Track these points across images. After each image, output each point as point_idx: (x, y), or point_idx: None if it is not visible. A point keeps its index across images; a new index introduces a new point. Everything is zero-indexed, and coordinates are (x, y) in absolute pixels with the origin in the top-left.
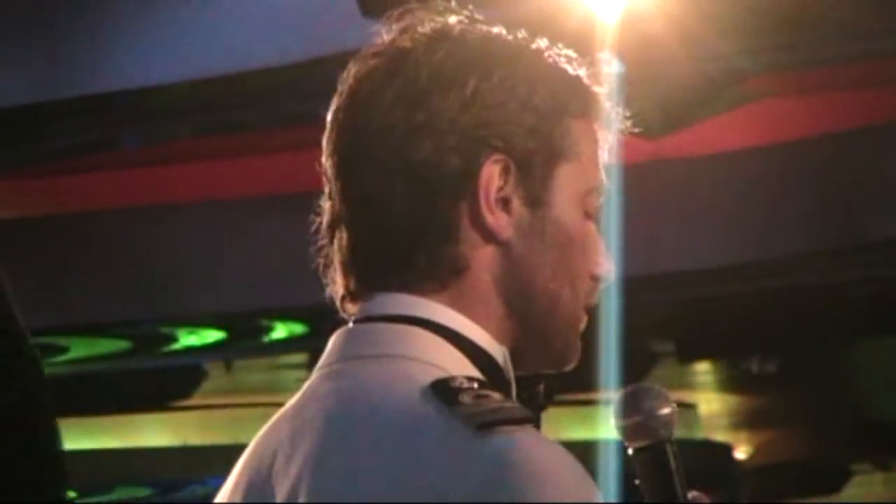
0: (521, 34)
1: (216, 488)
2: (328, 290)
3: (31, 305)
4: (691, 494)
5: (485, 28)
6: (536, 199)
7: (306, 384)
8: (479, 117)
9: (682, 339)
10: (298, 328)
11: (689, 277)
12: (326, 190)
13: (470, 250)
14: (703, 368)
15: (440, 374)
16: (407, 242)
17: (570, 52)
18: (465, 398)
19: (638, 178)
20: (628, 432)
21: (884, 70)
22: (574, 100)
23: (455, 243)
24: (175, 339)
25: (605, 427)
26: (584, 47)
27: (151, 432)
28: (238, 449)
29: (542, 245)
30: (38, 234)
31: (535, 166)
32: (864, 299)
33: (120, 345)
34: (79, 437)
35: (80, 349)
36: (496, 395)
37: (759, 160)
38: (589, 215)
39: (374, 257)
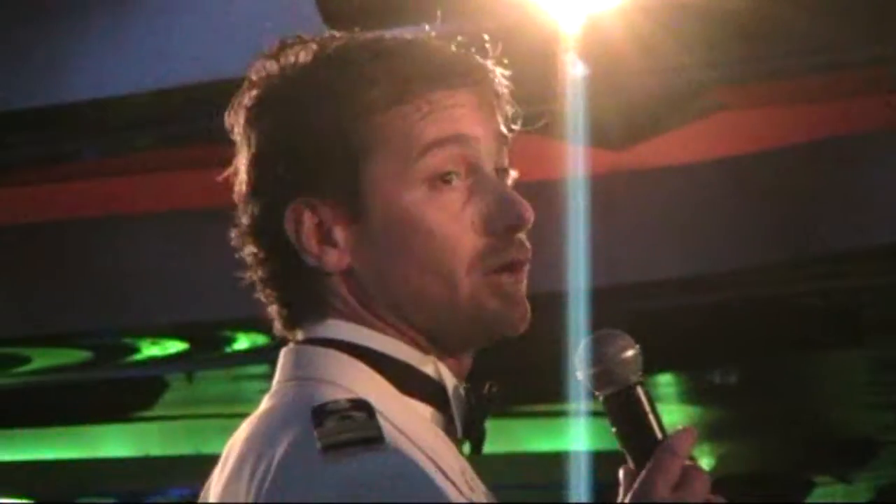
0: (323, 44)
1: (178, 499)
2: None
3: None
4: (674, 431)
5: (296, 62)
6: (354, 214)
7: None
8: (266, 173)
9: (643, 352)
10: (260, 339)
11: (648, 289)
12: None
13: (322, 288)
14: (663, 380)
15: (338, 395)
16: (288, 292)
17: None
18: (330, 421)
19: (598, 189)
20: (595, 381)
21: (843, 83)
22: (372, 94)
23: (305, 289)
24: (137, 350)
25: (572, 438)
26: (546, 57)
27: (113, 443)
28: (199, 460)
29: (380, 254)
30: (1, 245)
31: (334, 187)
32: (824, 311)
33: (82, 355)
34: (41, 447)
35: (42, 359)
36: (362, 416)
37: (718, 172)
38: (440, 181)
39: (281, 300)
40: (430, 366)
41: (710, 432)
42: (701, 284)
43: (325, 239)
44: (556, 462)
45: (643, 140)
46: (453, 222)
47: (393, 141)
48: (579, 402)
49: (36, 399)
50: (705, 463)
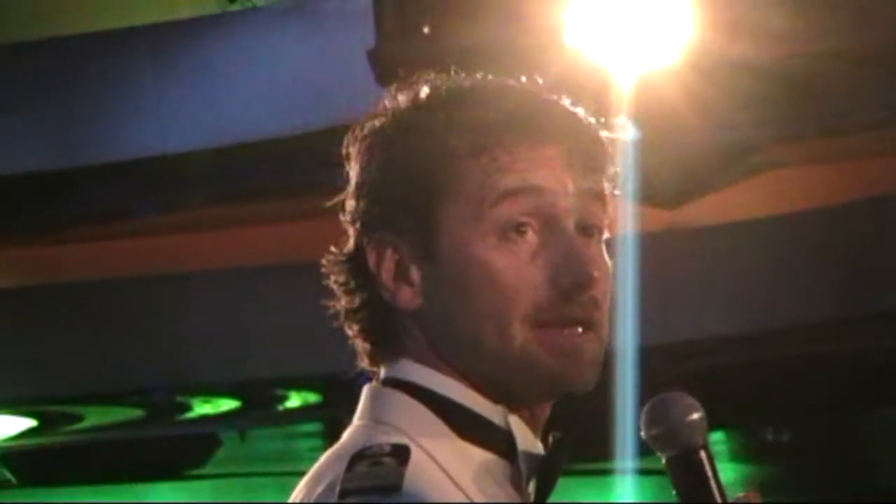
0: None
1: None
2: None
3: (48, 374)
4: (740, 495)
5: (395, 107)
6: (429, 253)
7: None
8: (356, 209)
9: None
10: (312, 397)
11: (702, 346)
12: None
13: (396, 325)
14: (716, 438)
15: (395, 440)
16: (365, 330)
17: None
18: (361, 466)
19: (653, 247)
20: (658, 441)
21: (894, 139)
22: (456, 141)
23: (381, 326)
24: (189, 408)
25: (622, 495)
26: (599, 114)
27: (166, 500)
28: None
29: (446, 296)
30: (55, 303)
31: (411, 223)
32: (876, 368)
33: (135, 413)
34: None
35: (95, 417)
36: (392, 462)
37: (771, 229)
38: (513, 232)
39: (357, 332)
40: (497, 415)
41: (763, 490)
42: (754, 342)
43: (402, 276)
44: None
45: (696, 198)
46: (518, 273)
47: (468, 187)
48: (628, 459)
49: (89, 456)
50: None
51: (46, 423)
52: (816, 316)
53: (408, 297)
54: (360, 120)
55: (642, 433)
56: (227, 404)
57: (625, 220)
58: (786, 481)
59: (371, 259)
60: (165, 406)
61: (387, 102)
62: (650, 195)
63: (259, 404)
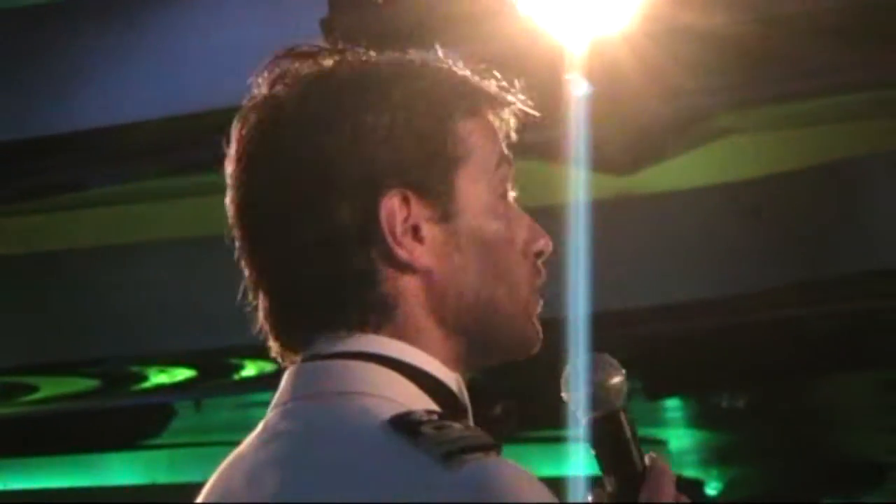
0: (397, 56)
1: None
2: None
3: (1, 344)
4: (649, 456)
5: (361, 60)
6: (445, 214)
7: (260, 424)
8: (361, 159)
9: (651, 376)
10: (268, 366)
11: (654, 313)
12: (237, 252)
13: (394, 288)
14: (671, 405)
15: (398, 409)
16: (331, 297)
17: (455, 56)
18: (427, 430)
19: (605, 214)
20: (580, 404)
21: (847, 105)
22: (459, 103)
23: (376, 286)
24: (144, 378)
25: (576, 464)
26: (550, 82)
27: (121, 471)
28: None
29: (462, 258)
30: (8, 273)
31: (432, 185)
32: (832, 334)
33: (89, 383)
34: (49, 475)
35: (49, 388)
36: (456, 425)
37: (723, 196)
38: (503, 197)
39: (303, 316)
40: (454, 383)
41: (719, 456)
42: (707, 309)
43: (413, 234)
44: (557, 487)
45: (649, 165)
46: (515, 237)
47: (477, 151)
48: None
49: (43, 427)
50: (713, 487)
51: (0, 393)
52: (771, 282)
53: (421, 254)
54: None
55: (563, 395)
56: (182, 374)
57: (577, 187)
58: (741, 448)
59: (385, 218)
60: (120, 376)
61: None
62: (602, 162)
63: (214, 374)
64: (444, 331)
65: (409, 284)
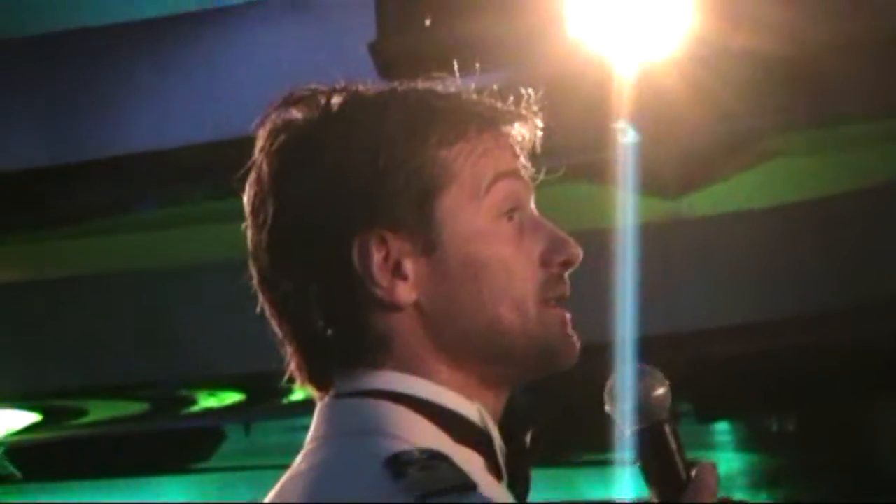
0: (399, 86)
1: None
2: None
3: (51, 368)
4: (697, 464)
5: (344, 100)
6: (427, 247)
7: (297, 459)
8: (335, 203)
9: (701, 399)
10: None
11: (705, 336)
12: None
13: (386, 326)
14: (721, 428)
15: (403, 447)
16: (332, 339)
17: (446, 82)
18: (412, 470)
19: (655, 237)
20: (624, 416)
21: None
22: (439, 129)
23: (368, 328)
24: (194, 402)
25: (622, 486)
26: (600, 106)
27: (172, 494)
28: None
29: (452, 286)
30: (57, 297)
31: (407, 219)
32: (884, 357)
33: (139, 407)
34: (99, 499)
35: (99, 411)
36: (444, 465)
37: (774, 219)
38: (503, 216)
39: (316, 357)
40: (475, 414)
41: (769, 480)
42: (757, 331)
43: (395, 271)
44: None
45: (698, 188)
46: (519, 254)
47: (461, 175)
48: (628, 450)
49: (93, 451)
50: None
51: (50, 417)
52: (820, 305)
53: (404, 291)
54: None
55: (606, 407)
56: (231, 397)
57: (626, 210)
58: (791, 471)
59: (357, 259)
60: (169, 400)
61: (308, 110)
62: (651, 185)
63: (263, 397)
64: (451, 360)
65: (401, 321)
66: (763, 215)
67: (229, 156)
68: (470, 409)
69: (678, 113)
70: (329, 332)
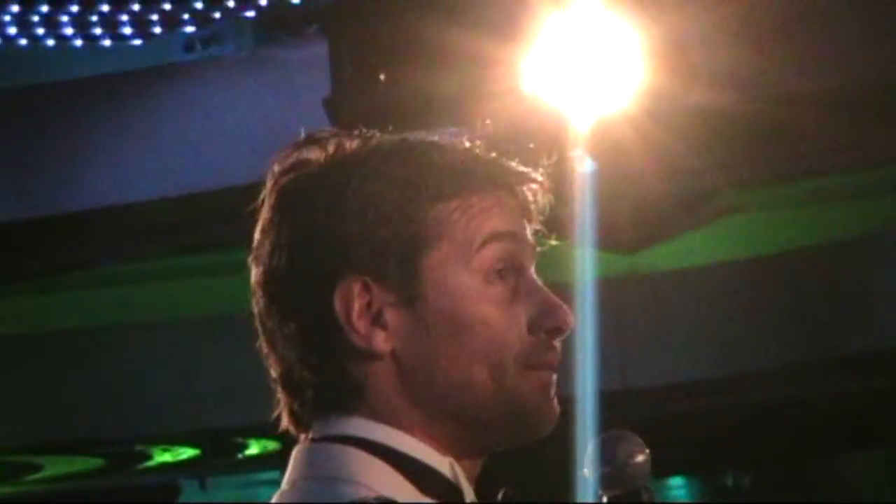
0: (406, 137)
1: None
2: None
3: (5, 423)
4: None
5: (354, 145)
6: (409, 298)
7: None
8: (325, 247)
9: (656, 455)
10: (272, 445)
11: (661, 392)
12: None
13: (362, 372)
14: (676, 483)
15: (362, 494)
16: (310, 381)
17: (451, 137)
18: None
19: (611, 292)
20: (602, 481)
21: (856, 183)
22: (437, 185)
23: (344, 373)
24: (149, 457)
25: None
26: (556, 161)
27: None
28: None
29: (431, 341)
30: (11, 352)
31: (392, 270)
32: (839, 413)
33: (94, 463)
34: None
35: (54, 468)
36: None
37: (731, 275)
38: (494, 275)
39: (296, 398)
40: (447, 468)
41: None
42: (713, 388)
43: (374, 320)
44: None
45: (654, 243)
46: (504, 317)
47: (451, 232)
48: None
49: None
50: None
51: (5, 473)
52: (776, 362)
53: (381, 340)
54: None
55: (586, 471)
56: (186, 453)
57: (583, 265)
58: None
59: (339, 304)
60: (125, 455)
61: (303, 154)
62: (608, 240)
63: (219, 453)
64: (424, 414)
65: (376, 368)
66: (719, 271)
67: (188, 213)
68: (441, 462)
69: (633, 167)
70: (306, 374)
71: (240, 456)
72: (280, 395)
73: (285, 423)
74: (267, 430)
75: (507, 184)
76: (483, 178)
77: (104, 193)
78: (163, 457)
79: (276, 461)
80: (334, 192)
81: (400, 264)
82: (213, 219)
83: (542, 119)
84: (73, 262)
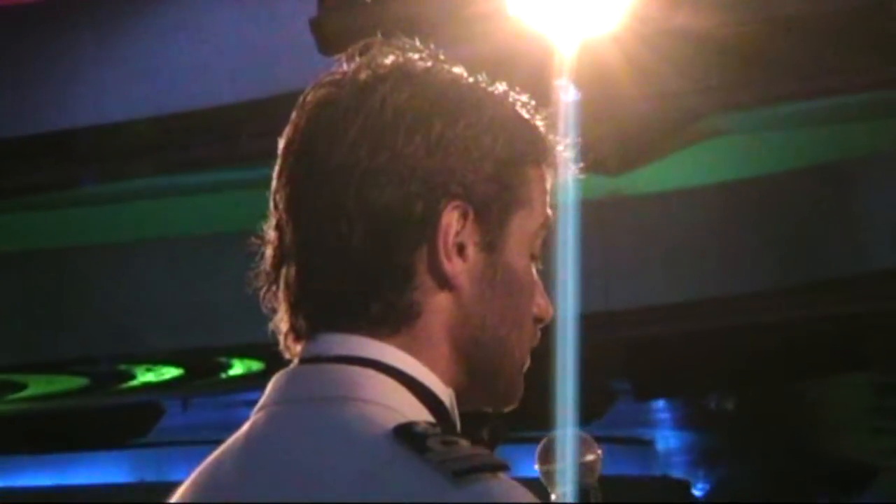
0: (482, 78)
1: None
2: (271, 325)
3: None
4: None
5: (447, 69)
6: (491, 245)
7: (245, 426)
8: (442, 163)
9: (640, 377)
10: (255, 365)
11: (644, 314)
12: (274, 220)
13: (424, 296)
14: (660, 406)
15: (399, 419)
16: (362, 286)
17: (527, 99)
18: (434, 444)
19: (595, 214)
20: (551, 477)
21: (840, 107)
22: (530, 148)
23: (411, 290)
24: (132, 377)
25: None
26: (541, 83)
27: (109, 469)
28: None
29: (491, 291)
30: None
31: (492, 213)
32: (821, 337)
33: (77, 382)
34: (36, 473)
35: (37, 386)
36: (463, 441)
37: (715, 197)
38: (533, 257)
39: (325, 298)
40: (447, 399)
41: (706, 458)
42: (698, 310)
43: (460, 250)
44: (544, 487)
45: (638, 165)
46: (535, 295)
47: (534, 201)
48: (568, 427)
49: (31, 426)
50: (700, 488)
51: None
52: (759, 284)
53: (458, 270)
54: (304, 87)
55: (536, 467)
56: (170, 373)
57: (567, 187)
58: (729, 449)
59: (446, 219)
60: (108, 375)
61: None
62: (592, 162)
63: (202, 373)
64: (454, 353)
65: (440, 297)
66: (704, 193)
67: (172, 132)
68: (445, 394)
69: (619, 90)
70: (362, 275)
71: (223, 376)
72: (292, 286)
73: (283, 322)
74: (250, 350)
75: (558, 162)
76: (551, 152)
77: (87, 113)
78: (146, 376)
79: (259, 381)
80: (455, 114)
81: (501, 211)
82: (200, 138)
83: (526, 42)
84: (55, 182)
